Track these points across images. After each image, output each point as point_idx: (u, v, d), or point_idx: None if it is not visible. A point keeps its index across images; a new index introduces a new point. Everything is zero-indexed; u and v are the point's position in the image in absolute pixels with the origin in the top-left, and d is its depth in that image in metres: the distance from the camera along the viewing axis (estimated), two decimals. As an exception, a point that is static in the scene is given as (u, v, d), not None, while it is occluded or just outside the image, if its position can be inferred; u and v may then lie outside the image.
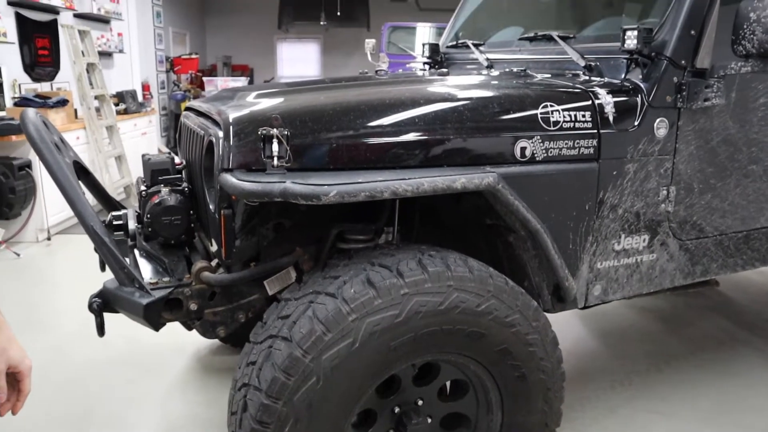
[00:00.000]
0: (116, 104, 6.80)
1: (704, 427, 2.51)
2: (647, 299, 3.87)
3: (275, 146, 1.58)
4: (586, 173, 1.90)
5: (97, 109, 6.18)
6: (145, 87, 8.50)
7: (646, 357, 3.11)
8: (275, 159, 1.58)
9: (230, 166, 1.61)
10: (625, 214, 2.01)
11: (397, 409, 1.71)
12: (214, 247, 2.04)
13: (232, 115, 1.67)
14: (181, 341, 3.21)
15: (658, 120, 1.99)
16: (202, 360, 3.07)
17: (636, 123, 1.95)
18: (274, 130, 1.58)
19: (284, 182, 1.47)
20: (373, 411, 1.70)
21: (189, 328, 1.97)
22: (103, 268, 2.39)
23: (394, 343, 1.50)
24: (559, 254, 1.85)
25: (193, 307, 1.82)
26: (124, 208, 2.37)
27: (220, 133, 1.69)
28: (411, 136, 1.69)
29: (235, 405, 1.56)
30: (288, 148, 1.59)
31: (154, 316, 1.75)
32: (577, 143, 1.87)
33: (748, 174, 2.26)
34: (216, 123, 1.79)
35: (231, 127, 1.64)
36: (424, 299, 1.52)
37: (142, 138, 7.25)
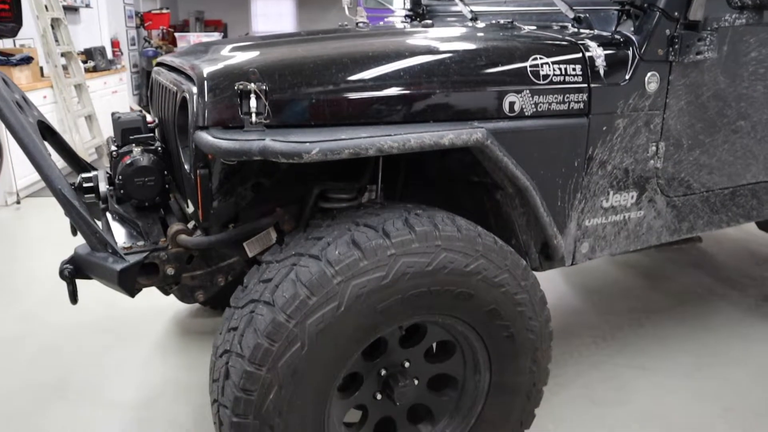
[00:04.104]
0: (84, 62, 6.54)
1: (684, 381, 2.54)
2: (630, 255, 3.88)
3: (253, 102, 1.49)
4: (576, 128, 1.85)
5: (65, 67, 5.93)
6: (115, 43, 8.18)
7: (628, 312, 3.13)
8: (253, 115, 1.49)
9: (205, 124, 1.52)
10: (614, 170, 1.97)
11: (383, 372, 1.67)
12: (190, 209, 1.96)
13: (207, 70, 1.58)
14: (159, 305, 3.13)
15: (649, 74, 1.93)
16: (181, 323, 3.02)
17: (627, 77, 1.89)
18: (252, 84, 1.49)
19: (264, 140, 1.39)
20: (359, 374, 1.67)
21: (166, 293, 1.90)
22: (74, 233, 2.29)
23: (380, 305, 1.46)
24: (548, 212, 1.81)
25: (170, 271, 1.75)
26: (95, 169, 2.26)
27: (194, 89, 1.59)
28: (395, 91, 1.61)
29: (217, 372, 1.51)
30: (267, 104, 1.50)
31: (129, 282, 1.68)
32: (567, 97, 1.81)
33: (736, 130, 2.22)
34: (189, 78, 1.68)
35: (205, 82, 1.54)
36: (411, 260, 1.47)
37: (113, 96, 7.02)
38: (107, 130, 6.69)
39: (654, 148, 2.02)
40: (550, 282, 3.49)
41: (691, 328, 2.97)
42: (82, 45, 7.02)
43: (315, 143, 1.39)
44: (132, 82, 8.02)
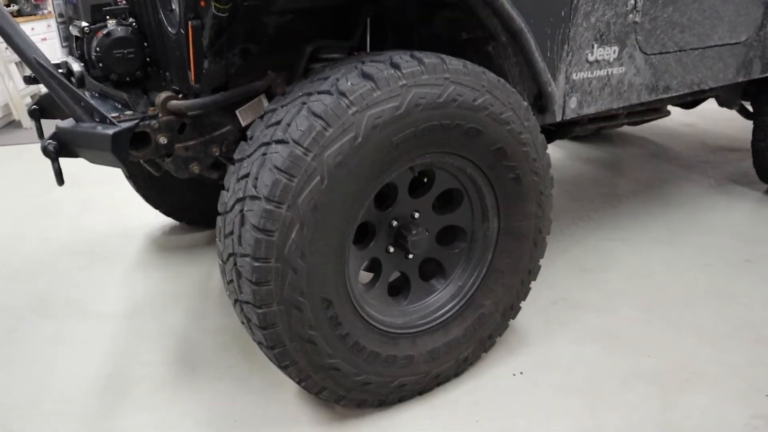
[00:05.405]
0: (7, 5, 6.10)
1: (663, 248, 2.65)
2: (590, 151, 3.99)
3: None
4: (562, -23, 1.85)
5: (-14, 11, 5.50)
6: (35, -10, 7.61)
7: (601, 197, 3.23)
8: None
9: (194, -32, 1.45)
10: (597, 23, 1.99)
11: (394, 223, 1.66)
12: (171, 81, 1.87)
13: None
14: (130, 226, 3.03)
15: None
16: (156, 241, 2.92)
17: (607, -76, 1.90)
18: None
19: None
20: (371, 225, 1.65)
21: (158, 170, 1.83)
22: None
23: (396, 138, 1.43)
24: (542, 57, 1.81)
25: (163, 140, 1.67)
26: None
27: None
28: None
29: (230, 225, 1.46)
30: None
31: (122, 150, 1.59)
32: (552, -56, 1.81)
33: (704, -12, 2.28)
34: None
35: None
36: (422, 91, 1.45)
37: (43, 44, 6.57)
38: (40, 80, 6.28)
39: (633, 1, 2.05)
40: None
41: (661, 206, 3.09)
42: (0, -8, 6.52)
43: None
44: (60, 33, 7.52)
